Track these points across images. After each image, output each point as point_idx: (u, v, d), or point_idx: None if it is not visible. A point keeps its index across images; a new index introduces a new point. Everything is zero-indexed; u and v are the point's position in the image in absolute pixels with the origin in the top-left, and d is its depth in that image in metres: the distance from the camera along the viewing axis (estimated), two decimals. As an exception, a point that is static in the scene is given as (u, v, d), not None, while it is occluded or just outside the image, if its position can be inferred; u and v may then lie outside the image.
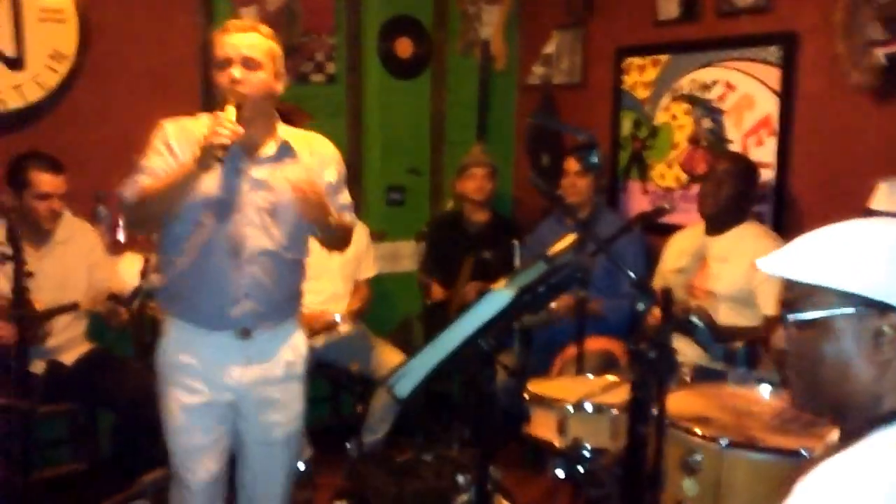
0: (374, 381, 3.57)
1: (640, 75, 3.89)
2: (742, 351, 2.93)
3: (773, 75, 3.28)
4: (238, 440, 2.36)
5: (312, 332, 3.46)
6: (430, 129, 4.45)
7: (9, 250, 2.60)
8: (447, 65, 4.44)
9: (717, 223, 3.10)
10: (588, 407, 2.49)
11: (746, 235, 3.05)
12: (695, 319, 2.57)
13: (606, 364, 3.24)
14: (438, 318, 3.72)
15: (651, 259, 3.47)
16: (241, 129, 2.06)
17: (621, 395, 2.37)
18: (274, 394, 2.33)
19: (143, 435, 3.00)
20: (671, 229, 3.43)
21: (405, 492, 2.70)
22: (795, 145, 3.23)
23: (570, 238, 2.25)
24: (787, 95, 3.23)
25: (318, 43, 4.12)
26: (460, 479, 2.41)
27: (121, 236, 3.47)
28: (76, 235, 3.26)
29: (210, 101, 2.26)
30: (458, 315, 1.88)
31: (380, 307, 4.03)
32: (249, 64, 2.15)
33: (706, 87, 3.57)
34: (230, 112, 2.07)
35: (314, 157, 2.32)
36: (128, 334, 3.41)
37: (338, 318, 3.52)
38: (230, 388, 2.27)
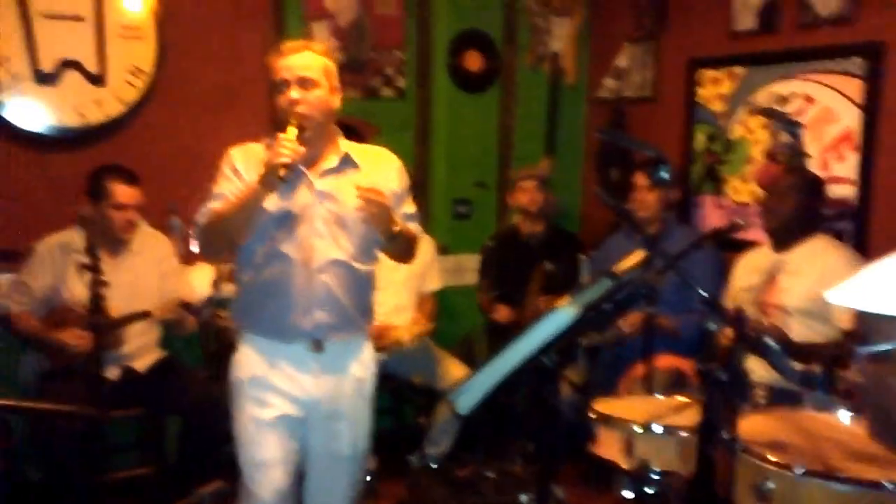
0: (436, 393, 3.55)
1: (714, 88, 3.79)
2: (820, 373, 2.81)
3: (856, 88, 3.15)
4: (306, 454, 2.37)
5: (378, 348, 3.47)
6: (497, 143, 4.44)
7: (87, 260, 2.68)
8: (516, 78, 4.42)
9: (783, 238, 3.03)
10: (656, 428, 2.41)
11: (817, 248, 2.97)
12: (768, 341, 2.47)
13: (676, 383, 3.15)
14: (502, 333, 3.69)
15: (725, 276, 3.37)
16: (302, 149, 2.12)
17: (691, 416, 2.30)
18: (343, 409, 2.35)
19: (206, 443, 3.06)
20: (746, 246, 3.33)
21: (465, 507, 2.67)
22: (879, 161, 3.10)
23: (637, 254, 2.20)
24: (870, 109, 3.11)
25: (387, 58, 4.16)
26: (522, 497, 2.37)
27: (193, 247, 3.55)
28: (150, 246, 3.35)
29: (277, 116, 2.29)
30: (522, 331, 1.86)
31: (444, 320, 4.01)
32: (306, 84, 2.20)
33: (784, 100, 3.46)
34: (291, 132, 2.12)
35: (377, 169, 2.35)
36: (198, 343, 3.49)
37: (406, 339, 3.51)
38: (301, 402, 2.29)
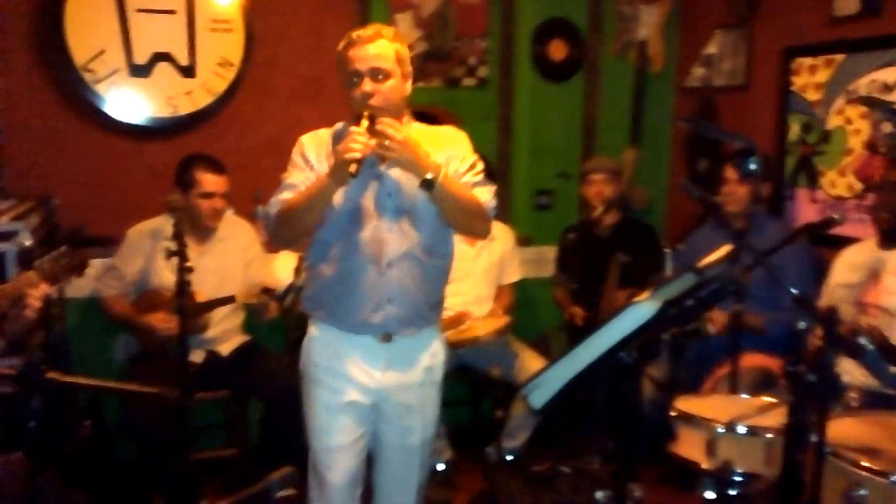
0: (514, 386, 3.52)
1: (811, 76, 3.62)
2: (920, 378, 2.66)
3: (967, 74, 2.95)
4: (376, 442, 2.39)
5: (452, 343, 3.46)
6: (581, 134, 4.36)
7: (174, 246, 2.76)
8: (601, 67, 4.33)
9: (894, 236, 2.84)
10: (740, 428, 2.33)
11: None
12: (863, 341, 2.35)
13: (763, 383, 3.04)
14: (580, 327, 3.63)
15: (820, 273, 3.22)
16: (373, 142, 2.08)
17: (778, 417, 2.21)
18: (412, 398, 2.34)
19: (286, 427, 3.11)
20: (842, 242, 3.17)
21: (539, 503, 2.63)
22: None
23: (724, 249, 2.12)
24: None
25: (470, 47, 4.14)
26: (599, 494, 2.31)
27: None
28: (236, 233, 3.43)
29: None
30: (599, 326, 1.81)
31: (523, 312, 3.98)
32: (378, 74, 2.17)
33: (888, 88, 3.27)
34: (362, 126, 2.08)
35: (443, 151, 2.27)
36: (281, 329, 3.56)
37: (481, 335, 3.49)
38: (371, 391, 2.30)
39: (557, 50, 4.28)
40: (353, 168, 2.03)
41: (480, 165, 2.34)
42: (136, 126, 3.57)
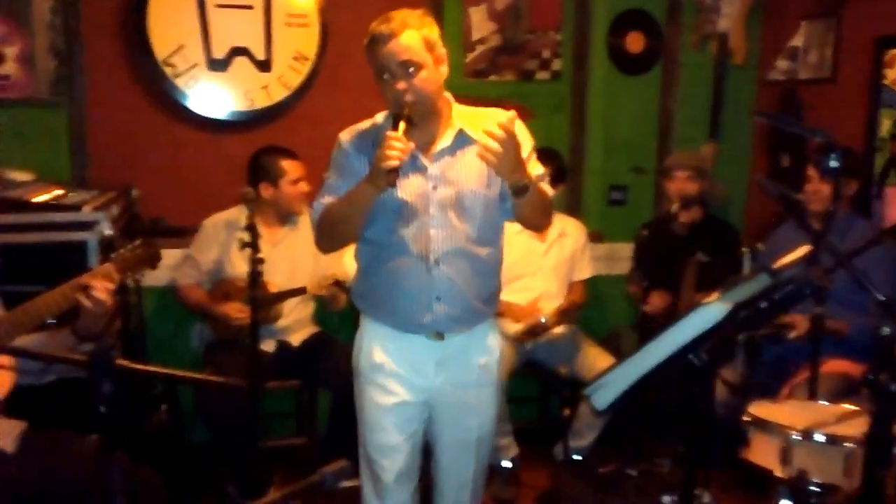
0: (582, 384, 3.47)
1: (904, 68, 3.45)
2: None
3: None
4: (431, 438, 2.36)
5: (521, 335, 3.43)
6: (657, 127, 4.26)
7: (247, 237, 2.81)
8: (679, 59, 4.21)
9: None
10: (818, 437, 2.25)
11: None
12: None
13: (845, 390, 2.91)
14: (652, 327, 3.54)
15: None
16: (411, 146, 2.00)
17: (859, 426, 2.12)
18: (467, 396, 2.29)
19: (353, 418, 3.14)
20: (934, 244, 3.01)
21: (603, 506, 2.59)
22: None
23: (801, 249, 2.03)
24: None
25: (543, 40, 4.09)
26: (665, 499, 2.26)
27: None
28: (307, 225, 3.48)
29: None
30: (666, 327, 1.76)
31: (594, 310, 3.92)
32: (409, 68, 2.05)
33: None
34: (400, 129, 1.99)
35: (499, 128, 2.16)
36: (351, 320, 3.59)
37: (543, 321, 3.44)
38: (424, 390, 2.26)
39: (634, 42, 4.19)
40: (392, 177, 1.96)
41: (535, 152, 2.23)
42: (214, 119, 3.65)
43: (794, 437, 2.27)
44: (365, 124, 2.24)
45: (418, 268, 2.16)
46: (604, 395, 1.83)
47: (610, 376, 1.83)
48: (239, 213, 3.35)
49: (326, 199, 2.20)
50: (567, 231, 3.73)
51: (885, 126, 3.55)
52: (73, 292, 2.13)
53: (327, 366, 3.32)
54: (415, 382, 2.25)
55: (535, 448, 3.62)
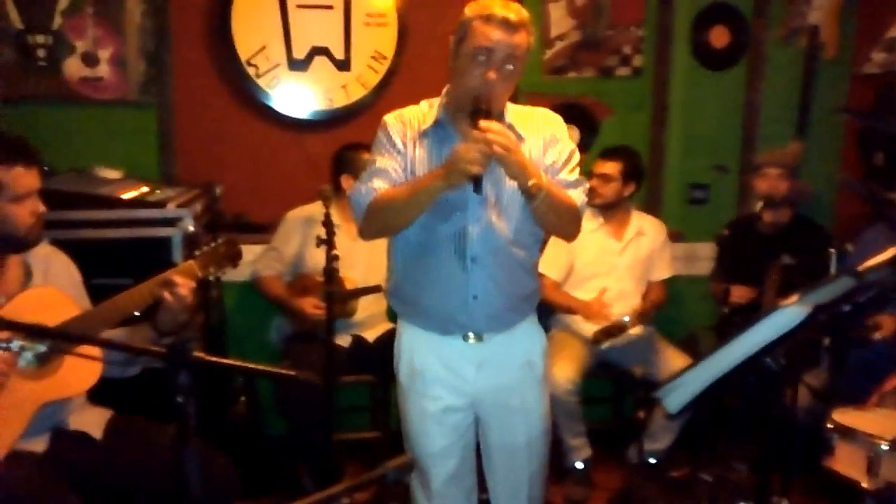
0: (658, 386, 3.40)
1: None
2: None
3: None
4: (482, 449, 2.30)
5: (598, 335, 3.38)
6: (741, 124, 4.13)
7: (324, 234, 2.87)
8: (766, 54, 4.08)
9: None
10: (907, 448, 2.14)
11: None
12: None
13: (939, 400, 2.77)
14: (735, 328, 3.43)
15: None
16: (500, 150, 1.90)
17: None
18: (511, 399, 2.22)
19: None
20: None
21: (675, 511, 2.53)
22: None
23: (890, 251, 1.94)
24: None
25: (625, 35, 4.02)
26: (740, 506, 2.20)
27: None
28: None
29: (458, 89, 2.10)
30: (742, 330, 1.71)
31: (672, 311, 3.83)
32: (509, 64, 2.00)
33: None
34: (491, 125, 1.92)
35: (539, 135, 2.14)
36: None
37: (626, 319, 3.38)
38: (466, 394, 2.20)
39: (719, 37, 4.08)
40: (476, 170, 1.88)
41: (577, 158, 2.17)
42: (295, 118, 3.73)
43: (882, 447, 2.17)
44: (410, 109, 2.20)
45: (455, 266, 2.09)
46: (676, 397, 1.79)
47: (683, 379, 1.80)
48: (318, 209, 3.42)
49: (376, 184, 2.08)
50: (645, 230, 3.66)
51: None
52: (157, 288, 2.20)
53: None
54: (458, 387, 2.19)
55: (609, 449, 3.57)
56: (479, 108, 1.96)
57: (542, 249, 2.31)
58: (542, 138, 2.14)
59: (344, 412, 3.67)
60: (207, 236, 2.94)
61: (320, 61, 3.70)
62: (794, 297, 1.67)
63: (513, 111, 2.16)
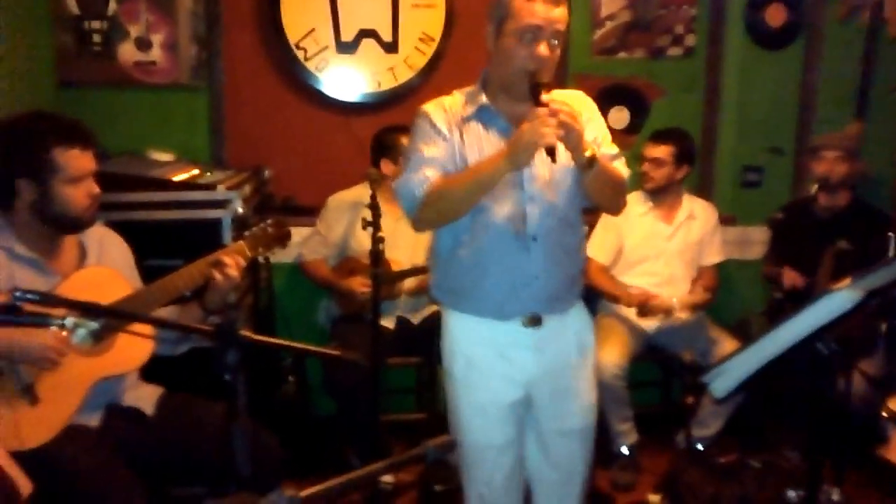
0: (708, 371, 3.35)
1: None
2: None
3: None
4: (534, 431, 2.23)
5: (644, 311, 3.35)
6: (797, 105, 4.02)
7: (370, 216, 2.88)
8: (825, 32, 3.95)
9: None
10: (964, 438, 2.07)
11: None
12: None
13: None
14: (787, 313, 3.35)
15: None
16: (572, 122, 1.90)
17: None
18: (567, 382, 2.20)
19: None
20: None
21: (722, 496, 2.49)
22: None
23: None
24: None
25: (676, 15, 3.93)
26: (790, 493, 2.16)
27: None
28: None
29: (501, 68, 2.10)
30: (791, 314, 1.67)
31: (723, 295, 3.76)
32: (556, 38, 2.00)
33: None
34: (549, 96, 1.91)
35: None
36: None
37: (674, 301, 3.34)
38: (522, 383, 2.16)
39: (775, 15, 3.97)
40: (551, 154, 1.87)
41: (608, 133, 2.18)
42: (343, 101, 3.75)
43: (937, 437, 2.11)
44: (446, 99, 2.18)
45: (515, 246, 2.07)
46: (723, 382, 1.76)
47: (730, 363, 1.77)
48: (363, 191, 3.44)
49: (428, 173, 2.04)
50: (696, 213, 3.60)
51: None
52: (207, 268, 2.25)
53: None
54: (512, 376, 2.15)
55: (657, 434, 3.54)
56: (537, 84, 1.96)
57: (588, 234, 2.30)
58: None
59: (390, 393, 3.71)
60: (256, 218, 2.98)
61: (368, 44, 3.71)
62: (846, 282, 1.62)
63: (555, 94, 2.11)
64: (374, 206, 2.83)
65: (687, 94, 3.96)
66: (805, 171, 3.88)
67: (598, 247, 3.49)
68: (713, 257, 3.65)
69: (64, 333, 2.08)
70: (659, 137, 3.54)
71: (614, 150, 2.18)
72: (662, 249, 3.52)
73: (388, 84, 3.75)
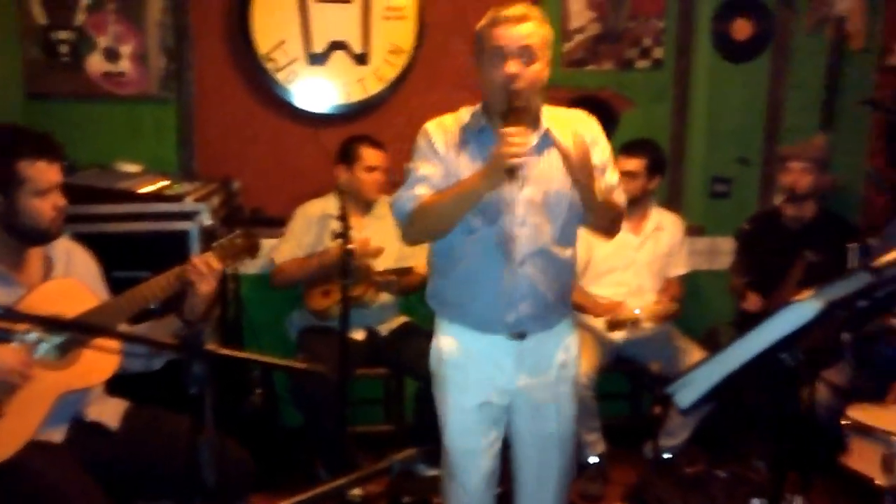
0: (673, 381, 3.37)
1: None
2: None
3: None
4: (513, 440, 2.33)
5: (613, 325, 3.37)
6: (764, 116, 4.08)
7: (339, 228, 2.87)
8: (791, 45, 4.02)
9: None
10: (925, 445, 2.11)
11: None
12: None
13: (962, 397, 2.72)
14: (753, 325, 3.39)
15: None
16: (532, 142, 2.00)
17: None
18: (546, 394, 2.27)
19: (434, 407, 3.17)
20: None
21: (688, 507, 2.51)
22: None
23: (910, 246, 1.91)
24: None
25: (645, 27, 3.98)
26: (755, 502, 2.18)
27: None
28: (387, 214, 3.52)
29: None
30: (754, 326, 1.69)
31: (691, 306, 3.79)
32: (526, 55, 2.05)
33: None
34: (519, 121, 1.98)
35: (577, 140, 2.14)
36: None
37: (637, 312, 3.37)
38: (504, 391, 2.24)
39: (741, 29, 4.03)
40: (511, 175, 1.95)
41: (611, 157, 2.25)
42: (312, 113, 3.74)
43: (898, 443, 2.14)
44: (450, 117, 2.24)
45: (502, 268, 2.14)
46: (688, 393, 1.77)
47: (694, 374, 1.78)
48: (329, 202, 3.43)
49: (419, 191, 2.14)
50: (664, 225, 3.63)
51: None
52: (175, 279, 2.24)
53: (413, 355, 3.34)
54: (494, 383, 2.23)
55: (625, 445, 3.56)
56: (512, 107, 2.01)
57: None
58: (579, 140, 2.15)
59: (358, 405, 3.69)
60: (224, 230, 2.96)
61: (338, 55, 3.70)
62: (809, 293, 1.64)
63: (550, 114, 2.19)
64: (343, 218, 2.83)
65: (656, 105, 4.01)
66: (773, 182, 3.94)
67: (568, 257, 3.51)
68: (679, 269, 3.68)
69: (25, 349, 2.07)
70: (631, 150, 3.55)
71: (615, 178, 2.25)
72: (631, 260, 3.55)
73: (357, 95, 3.75)
